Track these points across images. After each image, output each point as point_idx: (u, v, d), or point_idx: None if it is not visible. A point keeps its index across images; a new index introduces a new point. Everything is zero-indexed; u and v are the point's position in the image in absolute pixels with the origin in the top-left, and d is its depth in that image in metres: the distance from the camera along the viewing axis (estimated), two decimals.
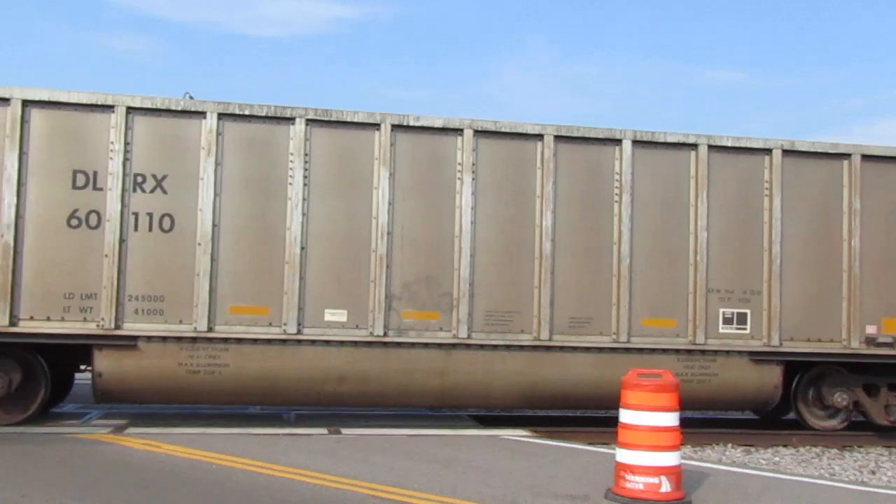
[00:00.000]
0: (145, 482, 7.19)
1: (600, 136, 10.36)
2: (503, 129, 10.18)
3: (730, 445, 10.39)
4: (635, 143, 10.38)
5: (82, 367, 10.85)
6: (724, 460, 9.52)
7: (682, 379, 10.29)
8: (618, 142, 10.37)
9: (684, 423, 6.85)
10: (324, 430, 9.90)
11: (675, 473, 6.63)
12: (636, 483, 6.59)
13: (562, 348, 10.15)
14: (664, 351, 10.35)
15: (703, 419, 11.88)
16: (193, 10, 39.45)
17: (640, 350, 10.28)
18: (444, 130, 10.07)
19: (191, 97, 9.82)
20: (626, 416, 6.73)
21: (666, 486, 6.56)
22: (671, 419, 6.63)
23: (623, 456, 6.71)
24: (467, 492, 7.11)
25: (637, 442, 6.61)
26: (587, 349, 10.18)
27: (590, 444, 9.55)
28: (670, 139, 10.47)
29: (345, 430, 9.92)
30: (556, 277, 10.15)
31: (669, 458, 6.61)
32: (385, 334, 9.79)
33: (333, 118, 9.83)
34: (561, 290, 10.16)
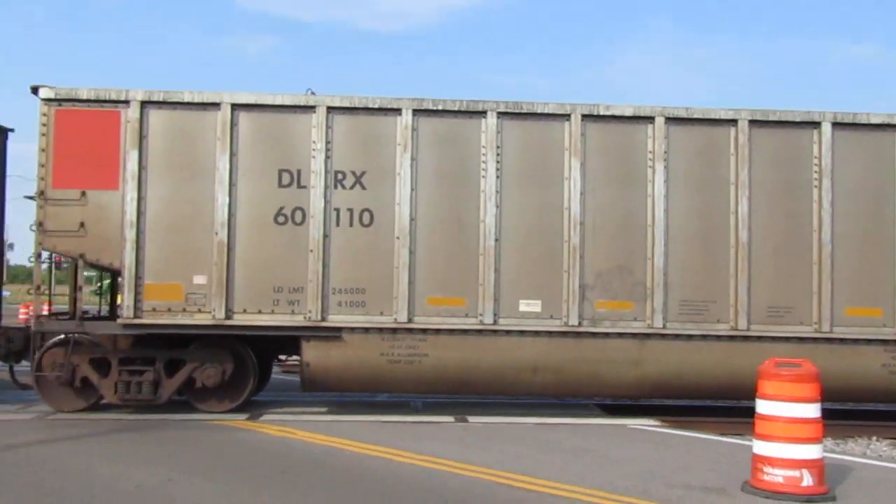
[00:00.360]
0: (283, 468, 7.48)
1: (797, 119, 10.02)
2: (695, 116, 9.99)
3: (874, 438, 9.88)
4: (835, 125, 9.98)
5: (281, 357, 11.42)
6: (870, 454, 9.06)
7: (890, 370, 9.90)
8: (816, 125, 9.99)
9: (822, 414, 6.53)
10: (450, 419, 10.06)
11: (817, 467, 6.36)
12: (775, 476, 6.36)
13: (760, 338, 9.89)
14: (869, 342, 9.92)
15: (843, 410, 11.21)
16: (318, 9, 40.55)
17: (843, 340, 9.90)
18: (634, 119, 9.97)
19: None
20: (763, 406, 6.50)
21: (808, 480, 6.31)
22: (812, 410, 6.36)
23: (761, 448, 6.48)
24: (597, 481, 7.03)
25: (776, 434, 6.38)
26: (787, 339, 9.88)
27: (721, 434, 9.32)
28: (874, 120, 10.01)
29: (471, 419, 10.04)
30: (753, 265, 9.89)
31: (811, 451, 6.35)
32: (579, 324, 9.80)
33: (524, 110, 9.90)
34: (758, 278, 9.90)
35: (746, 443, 7.53)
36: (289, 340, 10.18)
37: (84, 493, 6.56)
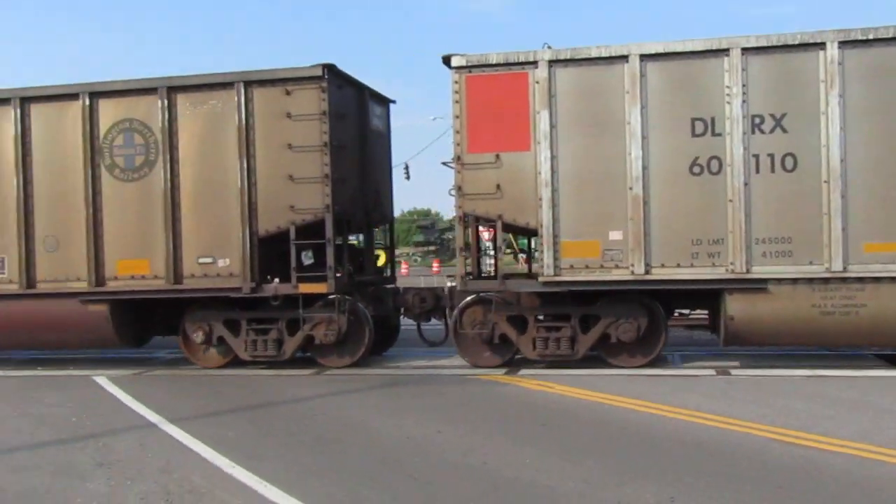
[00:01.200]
0: (543, 421, 7.39)
1: None
2: None
3: None
4: None
5: (677, 312, 11.17)
6: None
7: None
8: None
9: None
10: (712, 372, 9.63)
11: None
12: None
13: None
14: None
15: None
16: None
17: None
18: None
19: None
20: None
21: None
22: None
23: None
24: (882, 438, 6.37)
25: None
26: None
27: None
28: None
29: (734, 372, 9.59)
30: None
31: None
32: None
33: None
34: None
35: None
36: (695, 295, 9.95)
37: (361, 442, 6.91)
